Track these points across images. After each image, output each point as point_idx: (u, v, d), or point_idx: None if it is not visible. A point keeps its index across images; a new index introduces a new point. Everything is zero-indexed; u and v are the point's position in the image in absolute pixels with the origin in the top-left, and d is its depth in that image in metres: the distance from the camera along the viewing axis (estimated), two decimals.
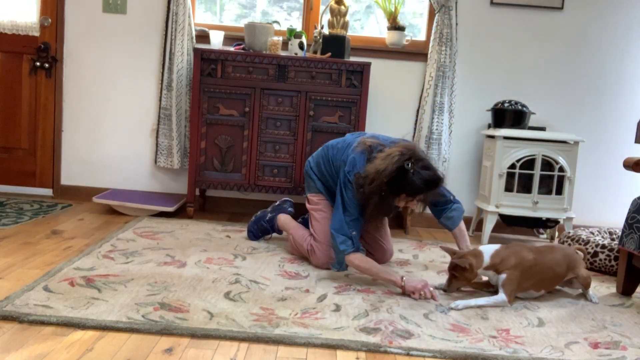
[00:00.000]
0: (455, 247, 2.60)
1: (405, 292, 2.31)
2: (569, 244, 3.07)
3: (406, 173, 2.27)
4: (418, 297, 2.27)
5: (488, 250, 2.31)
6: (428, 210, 2.59)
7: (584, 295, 2.46)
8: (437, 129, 3.61)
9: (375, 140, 2.49)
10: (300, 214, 3.13)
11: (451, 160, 3.77)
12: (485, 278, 2.40)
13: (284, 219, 2.91)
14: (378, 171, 2.30)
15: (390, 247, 2.76)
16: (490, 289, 2.40)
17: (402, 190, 2.30)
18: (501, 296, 2.26)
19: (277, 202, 3.07)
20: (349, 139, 2.63)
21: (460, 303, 2.22)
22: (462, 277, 2.31)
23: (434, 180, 2.32)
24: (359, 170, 2.39)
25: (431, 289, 2.29)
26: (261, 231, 3.01)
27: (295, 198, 3.48)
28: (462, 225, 2.64)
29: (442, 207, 2.61)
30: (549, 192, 3.36)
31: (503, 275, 2.27)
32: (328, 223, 2.54)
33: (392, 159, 2.29)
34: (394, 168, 2.27)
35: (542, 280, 2.34)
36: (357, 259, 2.39)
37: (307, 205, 2.76)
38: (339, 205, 2.43)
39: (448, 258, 2.40)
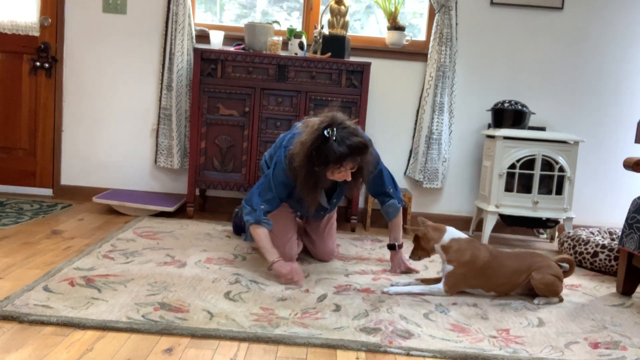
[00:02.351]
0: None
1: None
2: (569, 244, 3.07)
3: (327, 140, 2.21)
4: (284, 281, 2.32)
5: (453, 233, 2.38)
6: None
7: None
8: (437, 129, 3.61)
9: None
10: None
11: (451, 160, 3.77)
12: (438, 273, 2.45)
13: None
14: (302, 143, 2.29)
15: (332, 246, 2.73)
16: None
17: (327, 159, 2.23)
18: (438, 286, 2.33)
19: None
20: (297, 124, 2.61)
21: (392, 289, 2.29)
22: (420, 246, 2.39)
23: (357, 146, 2.24)
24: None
25: (299, 273, 2.36)
26: (238, 227, 3.08)
27: None
28: (398, 220, 2.65)
29: (381, 198, 2.63)
30: (549, 192, 3.36)
31: (449, 267, 2.32)
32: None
33: (312, 128, 2.27)
34: (314, 137, 2.24)
35: (493, 283, 2.35)
36: (254, 231, 2.42)
37: None
38: (261, 179, 2.48)
39: None
